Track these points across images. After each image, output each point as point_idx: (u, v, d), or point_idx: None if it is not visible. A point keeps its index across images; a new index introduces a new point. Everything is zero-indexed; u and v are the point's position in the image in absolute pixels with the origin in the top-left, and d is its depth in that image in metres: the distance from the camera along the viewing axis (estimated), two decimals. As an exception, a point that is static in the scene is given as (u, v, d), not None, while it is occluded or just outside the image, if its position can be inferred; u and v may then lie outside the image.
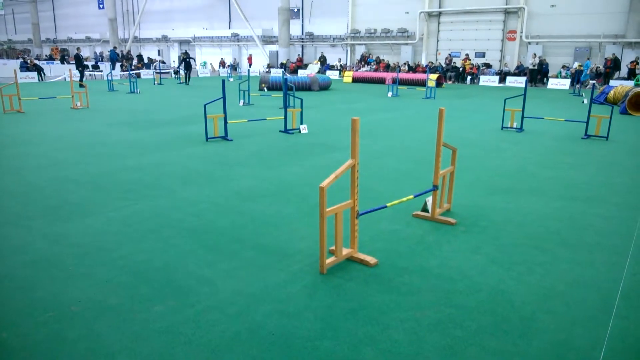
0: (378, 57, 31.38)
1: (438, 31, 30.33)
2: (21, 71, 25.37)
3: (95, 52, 40.74)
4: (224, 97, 8.53)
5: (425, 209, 4.80)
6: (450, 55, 29.29)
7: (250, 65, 36.04)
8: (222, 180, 6.13)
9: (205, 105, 8.64)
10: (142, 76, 29.22)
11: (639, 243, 4.19)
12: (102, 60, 36.36)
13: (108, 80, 20.44)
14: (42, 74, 26.37)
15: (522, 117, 10.30)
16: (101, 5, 44.88)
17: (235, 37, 38.83)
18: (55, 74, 28.68)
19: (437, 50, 30.56)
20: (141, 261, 3.70)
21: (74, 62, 21.91)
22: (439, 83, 22.93)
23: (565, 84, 24.15)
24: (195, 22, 41.83)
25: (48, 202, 5.15)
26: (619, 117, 12.63)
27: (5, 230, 4.33)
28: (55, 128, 10.19)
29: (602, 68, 23.89)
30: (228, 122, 8.88)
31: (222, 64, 37.13)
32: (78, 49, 23.12)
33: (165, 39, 43.80)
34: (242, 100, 15.03)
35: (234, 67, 35.29)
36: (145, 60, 36.81)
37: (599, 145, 8.87)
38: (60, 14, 51.96)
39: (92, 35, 47.76)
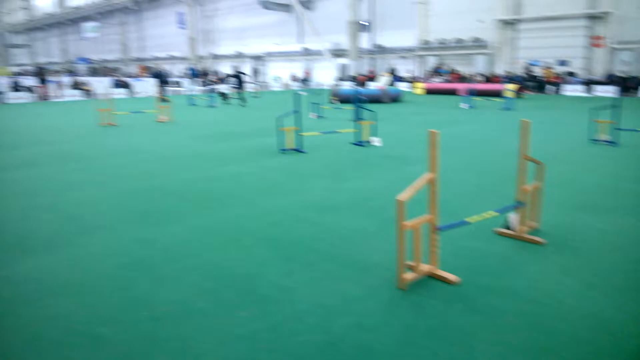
0: (453, 69, 30.68)
1: (515, 39, 29.19)
2: (113, 88, 27.40)
3: (172, 69, 43.15)
4: (297, 110, 8.70)
5: (508, 227, 4.59)
6: (528, 64, 28.06)
7: (306, 79, 36.61)
8: (297, 191, 6.23)
9: (278, 118, 8.86)
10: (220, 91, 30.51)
11: None
12: (182, 77, 38.52)
13: (188, 95, 21.57)
14: (131, 90, 28.35)
15: (614, 129, 9.60)
16: (182, 26, 47.69)
17: (306, 52, 39.63)
18: (141, 90, 30.70)
19: (514, 59, 29.40)
20: (224, 267, 3.84)
21: (161, 78, 23.43)
22: (517, 93, 22.02)
23: (659, 93, 22.30)
24: (267, 38, 43.22)
25: (139, 208, 5.49)
26: None
27: (103, 233, 4.67)
28: (143, 140, 10.89)
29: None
30: (301, 134, 9.04)
31: (293, 78, 37.98)
32: (158, 65, 24.65)
33: (239, 55, 45.60)
34: (313, 113, 15.26)
35: (305, 80, 35.98)
36: (222, 76, 38.46)
37: (702, 159, 8.07)
38: (146, 34, 55.76)
39: (174, 53, 50.78)
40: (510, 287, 3.48)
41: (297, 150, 9.00)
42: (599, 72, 25.94)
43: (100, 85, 29.35)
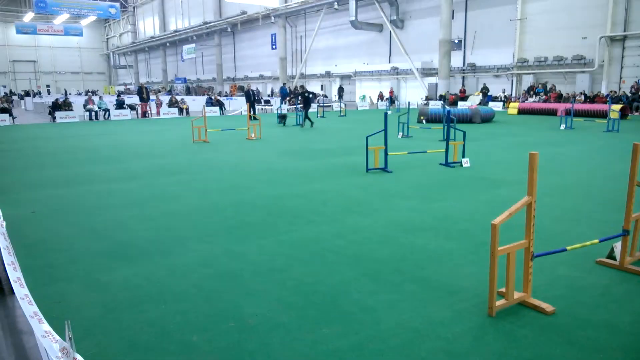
0: (553, 86, 29.01)
1: (622, 57, 27.03)
2: (207, 106, 29.20)
3: (257, 88, 45.11)
4: (385, 130, 8.72)
5: (612, 256, 4.24)
6: (637, 83, 25.81)
7: (381, 99, 36.35)
8: (382, 210, 6.21)
9: (367, 137, 8.93)
10: (307, 110, 31.40)
11: None
12: (272, 96, 40.15)
13: (277, 113, 22.40)
14: (223, 109, 30.03)
15: None
16: (274, 46, 49.89)
17: (395, 71, 39.60)
18: (233, 108, 32.45)
19: (620, 77, 27.19)
20: (309, 283, 3.92)
21: (251, 97, 24.55)
22: (623, 114, 20.29)
23: None
24: (356, 57, 43.81)
25: (229, 222, 5.78)
26: None
27: (193, 244, 4.97)
28: (234, 156, 11.47)
29: None
30: (388, 153, 9.02)
31: (381, 97, 38.05)
32: (248, 85, 25.92)
33: (328, 74, 46.65)
34: (401, 133, 15.17)
35: (393, 100, 35.89)
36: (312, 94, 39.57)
37: None
38: (239, 55, 59.01)
39: (265, 73, 53.15)
40: (611, 321, 3.21)
41: (384, 170, 8.98)
42: None
43: (195, 103, 31.37)
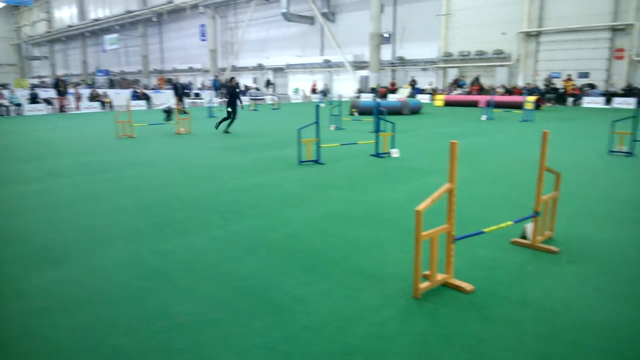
0: (477, 78, 30.49)
1: (537, 51, 28.97)
2: (132, 99, 27.97)
3: (190, 81, 43.99)
4: (317, 122, 8.81)
5: (524, 236, 4.58)
6: (549, 76, 27.79)
7: (325, 91, 36.78)
8: (315, 202, 6.30)
9: (299, 130, 8.98)
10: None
11: None
12: (202, 89, 39.19)
13: (208, 107, 21.93)
14: (150, 102, 28.93)
15: (633, 140, 9.46)
16: (203, 38, 48.62)
17: (327, 63, 39.96)
18: (161, 102, 31.33)
19: (535, 71, 29.15)
20: (241, 278, 3.91)
21: (179, 90, 23.80)
22: (537, 105, 21.79)
23: None
24: (288, 50, 43.75)
25: (158, 219, 5.62)
26: None
27: (121, 244, 4.79)
28: (163, 152, 11.12)
29: None
30: (320, 146, 9.13)
31: (314, 89, 38.29)
32: (177, 77, 25.22)
33: (260, 67, 46.22)
34: (333, 125, 15.37)
35: (325, 92, 36.23)
36: (242, 88, 39.04)
37: None
38: (166, 46, 56.99)
39: (194, 65, 51.73)
40: (524, 296, 3.48)
41: (316, 162, 9.08)
42: (619, 84, 25.53)
43: (119, 97, 29.99)
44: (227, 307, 3.41)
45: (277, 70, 44.93)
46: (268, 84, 40.63)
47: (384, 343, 2.91)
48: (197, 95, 33.77)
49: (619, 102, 23.75)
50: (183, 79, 23.75)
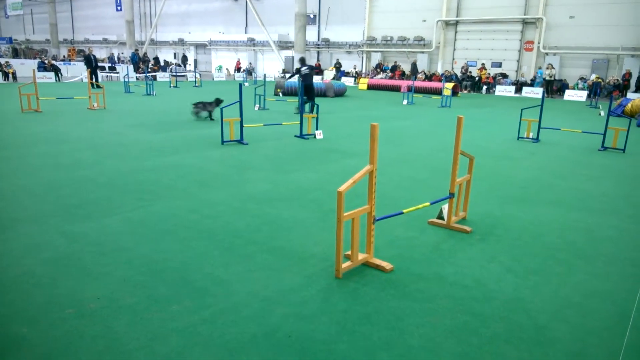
0: (396, 64, 31.35)
1: (455, 40, 30.27)
2: (39, 71, 25.71)
3: (112, 54, 41.36)
4: (240, 101, 8.61)
5: (440, 217, 4.80)
6: (466, 64, 29.21)
7: (238, 70, 36.18)
8: (238, 183, 6.18)
9: (222, 109, 8.73)
10: (158, 79, 29.57)
11: (658, 257, 4.15)
12: (118, 62, 36.91)
13: (124, 82, 20.72)
14: (60, 75, 26.78)
15: (539, 127, 10.24)
16: (119, 8, 45.55)
17: (252, 42, 39.14)
18: (72, 75, 29.14)
19: (453, 59, 30.49)
20: (158, 261, 3.75)
21: (92, 63, 22.18)
22: (454, 92, 22.87)
23: (582, 95, 23.93)
24: (212, 25, 42.28)
25: (67, 201, 5.24)
26: (637, 130, 12.48)
27: (25, 228, 4.41)
28: (73, 128, 10.36)
29: (620, 80, 23.65)
30: (244, 125, 8.95)
31: (238, 67, 37.41)
32: (90, 49, 23.56)
33: (181, 42, 44.29)
34: (257, 105, 15.14)
35: (250, 71, 35.55)
36: (162, 63, 37.25)
37: (615, 157, 8.78)
38: (78, 15, 52.87)
39: (109, 37, 48.50)
40: (439, 274, 3.65)
41: (239, 142, 8.90)
42: (528, 74, 27.45)
43: (24, 67, 27.52)
44: (143, 292, 3.26)
45: (200, 46, 43.34)
46: (184, 60, 39.11)
47: (305, 322, 2.93)
48: (112, 69, 31.73)
49: (527, 92, 25.52)
50: (92, 51, 21.94)
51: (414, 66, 29.91)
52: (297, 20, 33.03)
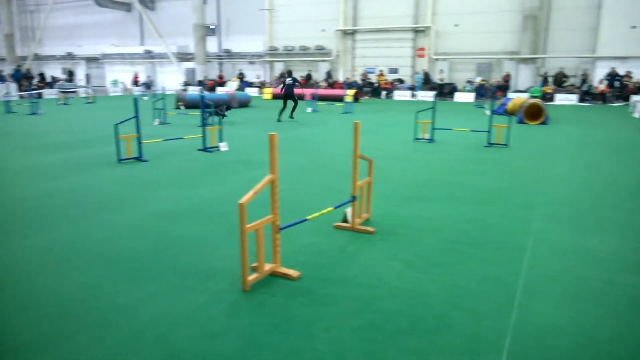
0: (309, 73, 31.78)
1: (354, 48, 31.42)
2: None
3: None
4: (137, 116, 8.23)
5: (345, 220, 4.94)
6: (365, 71, 30.41)
7: (136, 83, 34.89)
8: (138, 202, 5.89)
9: (116, 125, 8.29)
10: (46, 96, 27.38)
11: (536, 238, 4.60)
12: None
13: (5, 101, 18.93)
14: None
15: (433, 128, 10.92)
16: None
17: (149, 54, 37.65)
18: (-57, 96, 26.05)
19: (353, 66, 31.60)
20: (54, 293, 3.46)
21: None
22: (356, 98, 23.69)
23: (470, 97, 25.93)
24: (104, 38, 40.11)
25: (-62, 236, 4.66)
26: (517, 126, 13.77)
27: None
28: (-55, 155, 9.26)
29: (501, 81, 25.98)
30: (142, 142, 8.57)
31: (136, 81, 35.77)
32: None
33: (70, 56, 41.48)
34: (157, 119, 14.57)
35: (148, 85, 34.15)
36: (49, 79, 34.57)
37: (500, 152, 9.62)
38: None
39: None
40: (345, 276, 3.75)
41: (138, 159, 8.50)
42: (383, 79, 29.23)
43: None
44: (38, 329, 2.99)
45: (92, 60, 40.85)
46: (70, 74, 36.70)
47: (212, 341, 2.86)
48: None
49: (422, 95, 27.12)
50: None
51: (308, 76, 30.62)
52: (196, 31, 32.40)
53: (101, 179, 7.19)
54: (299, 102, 16.30)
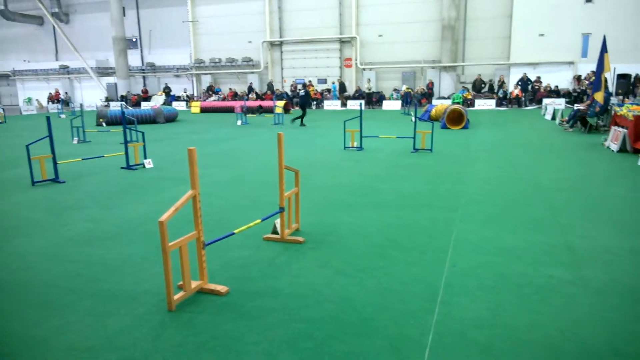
0: (251, 85, 31.44)
1: (282, 59, 31.57)
2: None
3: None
4: (50, 135, 7.76)
5: (275, 232, 4.91)
6: (295, 82, 30.63)
7: (58, 100, 33.15)
8: (54, 227, 5.53)
9: (27, 146, 7.76)
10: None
11: (457, 238, 4.81)
12: None
13: None
14: None
15: (361, 137, 11.18)
16: None
17: (65, 70, 35.72)
18: None
19: (282, 77, 31.72)
20: (-51, 332, 3.16)
21: None
22: (286, 109, 23.76)
23: (397, 105, 26.83)
24: (14, 53, 37.60)
25: None
26: (441, 131, 14.41)
27: None
28: None
29: (425, 89, 27.13)
30: (58, 162, 8.08)
31: (51, 99, 33.75)
32: None
33: (-24, 73, 38.50)
34: (76, 138, 13.81)
35: (66, 102, 32.36)
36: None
37: (425, 157, 10.01)
38: None
39: None
40: (275, 287, 3.73)
41: (55, 181, 8.00)
42: (350, 89, 29.91)
43: None
44: None
45: (2, 77, 38.11)
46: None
47: (135, 366, 2.73)
48: None
49: (351, 104, 27.71)
50: None
51: (250, 88, 30.40)
52: (116, 44, 31.20)
53: (13, 203, 6.69)
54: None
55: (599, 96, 12.21)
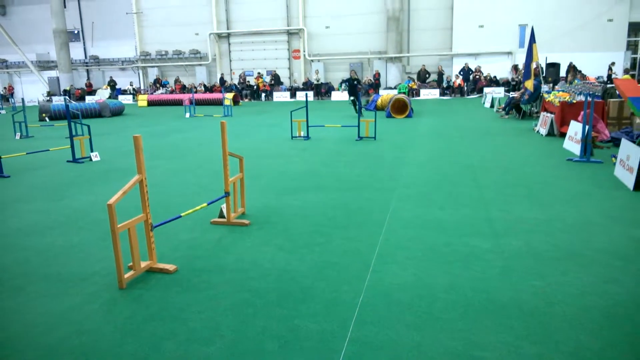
0: (177, 78, 30.95)
1: (230, 51, 31.36)
2: None
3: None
4: (-8, 130, 7.63)
5: (221, 215, 5.17)
6: (244, 74, 30.54)
7: (7, 95, 31.92)
8: (0, 219, 5.55)
9: (-32, 141, 7.61)
10: None
11: (392, 215, 5.24)
12: None
13: None
14: None
15: (307, 126, 11.51)
16: None
17: (4, 64, 34.01)
18: None
19: (231, 70, 31.54)
20: None
21: None
22: (235, 101, 23.76)
23: (345, 95, 27.31)
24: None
25: None
26: (386, 120, 14.97)
27: None
28: None
29: (372, 80, 27.77)
30: (2, 157, 7.95)
31: (11, 93, 32.11)
32: None
33: None
34: (18, 133, 13.41)
35: (5, 97, 30.90)
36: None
37: (368, 144, 10.47)
38: None
39: None
40: (220, 264, 4.01)
41: (-2, 176, 7.89)
42: (299, 80, 30.17)
43: None
44: None
45: None
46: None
47: (88, 336, 2.95)
48: None
49: (301, 96, 27.99)
50: None
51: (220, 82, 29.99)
52: (57, 37, 30.00)
53: (-47, 199, 6.59)
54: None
55: (529, 84, 13.08)
